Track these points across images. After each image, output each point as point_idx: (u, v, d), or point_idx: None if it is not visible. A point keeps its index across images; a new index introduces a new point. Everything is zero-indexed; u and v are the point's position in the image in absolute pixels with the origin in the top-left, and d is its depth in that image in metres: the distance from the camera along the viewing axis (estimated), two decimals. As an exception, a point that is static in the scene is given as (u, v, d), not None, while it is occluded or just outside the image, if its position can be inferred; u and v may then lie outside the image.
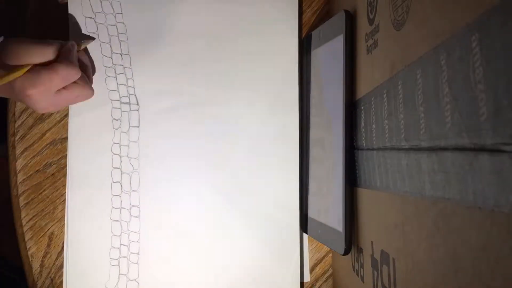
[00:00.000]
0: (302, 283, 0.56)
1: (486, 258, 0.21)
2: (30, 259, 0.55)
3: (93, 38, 0.54)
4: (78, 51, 0.50)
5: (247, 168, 0.55)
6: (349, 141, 0.45)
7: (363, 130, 0.42)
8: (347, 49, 0.45)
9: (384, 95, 0.35)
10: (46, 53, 0.46)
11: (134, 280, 0.54)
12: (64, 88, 0.48)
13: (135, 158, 0.54)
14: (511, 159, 0.19)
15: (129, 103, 0.55)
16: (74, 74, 0.47)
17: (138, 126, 0.55)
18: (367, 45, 0.41)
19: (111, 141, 0.54)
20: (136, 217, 0.54)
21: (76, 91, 0.49)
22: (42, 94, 0.46)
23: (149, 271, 0.54)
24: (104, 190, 0.54)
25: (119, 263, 0.54)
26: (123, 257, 0.54)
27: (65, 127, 0.55)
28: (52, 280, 0.55)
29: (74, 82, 0.48)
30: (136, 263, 0.54)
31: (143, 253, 0.54)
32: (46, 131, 0.55)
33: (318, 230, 0.50)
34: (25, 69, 0.45)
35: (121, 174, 0.54)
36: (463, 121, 0.23)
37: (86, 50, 0.54)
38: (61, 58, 0.47)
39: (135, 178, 0.54)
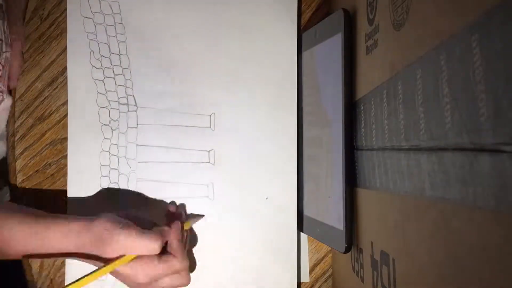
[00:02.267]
0: (299, 283, 0.56)
1: (486, 258, 0.21)
2: (30, 260, 0.55)
3: (202, 215, 0.54)
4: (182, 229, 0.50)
5: (245, 167, 0.55)
6: (349, 141, 0.45)
7: (363, 130, 0.42)
8: (346, 47, 0.45)
9: (384, 95, 0.35)
10: (153, 249, 0.46)
11: None
12: (166, 275, 0.47)
13: (133, 159, 0.54)
14: (511, 159, 0.19)
15: (127, 104, 0.54)
16: (185, 267, 0.48)
17: (136, 127, 0.54)
18: (367, 45, 0.41)
19: (109, 142, 0.54)
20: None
21: (178, 281, 0.48)
22: (149, 283, 0.46)
23: None
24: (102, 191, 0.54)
25: None
26: None
27: (65, 128, 0.55)
28: (51, 280, 0.55)
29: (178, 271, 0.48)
30: None
31: None
32: (45, 131, 0.55)
33: (317, 229, 0.50)
34: (131, 259, 0.45)
35: (119, 175, 0.54)
36: (463, 121, 0.23)
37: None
38: (173, 246, 0.47)
39: (133, 179, 0.54)
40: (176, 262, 0.47)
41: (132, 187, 0.54)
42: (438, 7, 0.26)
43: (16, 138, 0.55)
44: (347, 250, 0.44)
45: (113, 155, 0.54)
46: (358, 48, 0.44)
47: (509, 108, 0.18)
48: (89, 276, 0.43)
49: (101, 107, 0.54)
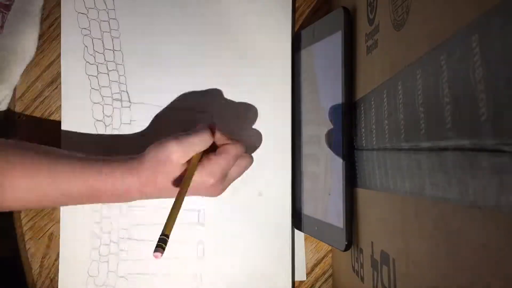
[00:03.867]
0: (294, 281, 0.56)
1: (486, 258, 0.21)
2: (30, 260, 0.55)
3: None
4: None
5: None
6: (349, 141, 0.45)
7: (363, 130, 0.42)
8: (346, 46, 0.45)
9: (384, 95, 0.35)
10: (207, 140, 0.46)
11: (123, 277, 0.54)
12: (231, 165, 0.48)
13: None
14: (511, 159, 0.19)
15: (121, 100, 0.54)
16: (242, 150, 0.48)
17: (130, 123, 0.54)
18: (367, 45, 0.41)
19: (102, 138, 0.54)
20: (126, 214, 0.54)
21: (243, 164, 0.49)
22: (220, 180, 0.47)
23: (139, 268, 0.54)
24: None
25: (108, 260, 0.54)
26: (113, 254, 0.54)
27: (65, 128, 0.55)
28: (51, 280, 0.55)
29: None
30: (126, 260, 0.54)
31: (133, 250, 0.54)
32: (45, 132, 0.55)
33: (315, 227, 0.50)
34: (196, 163, 0.45)
35: None
36: (463, 121, 0.23)
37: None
38: (219, 136, 0.47)
39: None
40: (231, 147, 0.47)
41: None
42: (438, 7, 0.27)
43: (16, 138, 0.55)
44: (347, 248, 0.44)
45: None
46: (358, 48, 0.44)
47: (509, 108, 0.18)
48: (175, 204, 0.42)
49: (94, 103, 0.54)
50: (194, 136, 0.45)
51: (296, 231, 0.56)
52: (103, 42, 0.54)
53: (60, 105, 0.55)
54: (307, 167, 0.54)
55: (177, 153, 0.44)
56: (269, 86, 0.55)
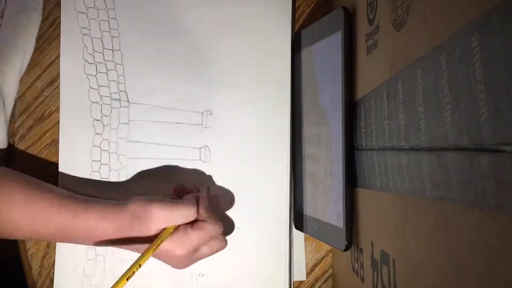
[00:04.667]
0: (292, 282, 0.56)
1: (487, 259, 0.21)
2: (30, 260, 0.55)
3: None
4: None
5: (237, 165, 0.55)
6: (349, 141, 0.45)
7: (363, 130, 0.42)
8: (346, 46, 0.45)
9: (384, 95, 0.35)
10: (190, 214, 0.46)
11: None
12: (204, 244, 0.47)
13: (124, 155, 0.54)
14: (511, 159, 0.19)
15: (119, 100, 0.54)
16: (219, 231, 0.47)
17: (128, 123, 0.54)
18: (367, 45, 0.41)
19: (100, 137, 0.54)
20: None
21: (215, 246, 0.49)
22: (188, 254, 0.46)
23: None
24: (92, 186, 0.54)
25: (104, 260, 0.54)
26: (109, 253, 0.54)
27: (65, 128, 0.55)
28: (51, 280, 0.55)
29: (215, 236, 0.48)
30: (122, 259, 0.53)
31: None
32: (45, 131, 0.55)
33: (315, 227, 0.50)
34: (172, 230, 0.45)
35: (109, 170, 0.54)
36: (463, 121, 0.23)
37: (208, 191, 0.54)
38: (202, 213, 0.47)
39: (123, 175, 0.54)
40: (209, 227, 0.46)
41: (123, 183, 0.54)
42: (438, 7, 0.26)
43: (16, 138, 0.55)
44: (347, 248, 0.44)
45: (104, 150, 0.54)
46: (358, 48, 0.44)
47: (509, 108, 0.18)
48: (138, 260, 0.43)
49: (93, 102, 0.54)
50: (180, 208, 0.45)
51: (295, 231, 0.56)
52: (102, 42, 0.54)
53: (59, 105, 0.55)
54: (307, 167, 0.54)
55: (158, 218, 0.45)
56: (269, 86, 0.55)
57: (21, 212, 0.44)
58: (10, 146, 0.55)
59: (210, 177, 0.55)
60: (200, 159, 0.55)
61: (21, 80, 0.55)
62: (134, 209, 0.45)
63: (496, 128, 0.20)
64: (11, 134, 0.55)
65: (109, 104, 0.54)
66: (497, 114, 0.19)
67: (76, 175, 0.54)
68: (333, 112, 0.47)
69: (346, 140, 0.44)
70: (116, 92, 0.55)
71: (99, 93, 0.54)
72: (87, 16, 0.54)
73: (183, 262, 0.47)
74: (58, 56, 0.55)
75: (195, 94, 0.55)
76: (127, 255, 0.53)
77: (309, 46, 0.53)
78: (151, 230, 0.45)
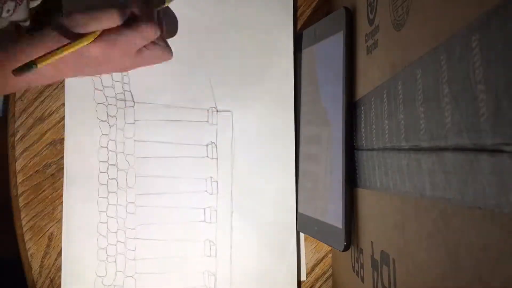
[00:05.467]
0: (299, 280, 0.56)
1: (487, 258, 0.21)
2: (30, 260, 0.55)
3: None
4: (160, 8, 0.49)
5: (244, 163, 0.55)
6: (349, 141, 0.45)
7: (363, 130, 0.42)
8: (347, 46, 0.45)
9: (384, 95, 0.35)
10: (113, 19, 0.44)
11: (131, 276, 0.54)
12: (145, 47, 0.47)
13: (131, 155, 0.54)
14: (511, 159, 0.19)
15: (125, 100, 0.55)
16: (153, 32, 0.46)
17: (134, 123, 0.55)
18: (367, 45, 0.41)
19: (107, 138, 0.54)
20: (132, 213, 0.54)
21: (157, 51, 0.48)
22: (123, 54, 0.46)
23: (146, 267, 0.54)
24: (101, 187, 0.54)
25: (116, 260, 0.54)
26: (120, 254, 0.54)
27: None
28: (51, 280, 0.55)
29: (155, 42, 0.48)
30: (133, 259, 0.54)
31: (140, 249, 0.54)
32: (45, 131, 0.55)
33: (314, 227, 0.50)
34: (95, 36, 0.44)
35: (117, 170, 0.54)
36: (463, 121, 0.23)
37: (168, 9, 0.52)
38: (141, 16, 0.46)
39: (131, 174, 0.54)
40: (148, 29, 0.45)
41: (130, 183, 0.54)
42: (438, 7, 0.27)
43: (16, 138, 0.55)
44: (346, 248, 0.44)
45: (111, 151, 0.54)
46: (358, 48, 0.44)
47: (509, 108, 0.18)
48: (55, 52, 0.42)
49: (98, 103, 0.54)
50: (101, 12, 0.44)
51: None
52: None
53: (61, 105, 0.55)
54: (307, 166, 0.54)
55: (79, 19, 0.43)
56: (272, 86, 0.55)
57: None
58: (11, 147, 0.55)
59: (216, 173, 0.55)
60: (207, 156, 0.55)
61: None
62: (55, 20, 0.44)
63: (496, 128, 0.20)
64: (11, 134, 0.56)
65: (115, 105, 0.55)
66: (497, 114, 0.19)
67: (83, 177, 0.54)
68: (333, 112, 0.47)
69: (346, 140, 0.44)
70: (121, 92, 0.55)
71: (104, 94, 0.54)
72: None
73: (123, 62, 0.47)
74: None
75: (200, 93, 0.55)
76: (138, 255, 0.54)
77: (310, 46, 0.53)
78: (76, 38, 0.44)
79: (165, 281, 0.54)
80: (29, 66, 0.40)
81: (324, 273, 0.57)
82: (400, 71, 0.32)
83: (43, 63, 0.41)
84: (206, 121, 0.55)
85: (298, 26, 0.58)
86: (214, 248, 0.55)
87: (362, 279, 0.43)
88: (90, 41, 0.44)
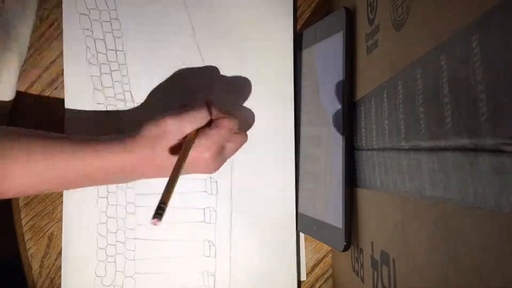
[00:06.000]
0: (299, 280, 0.56)
1: (487, 259, 0.21)
2: (30, 260, 0.55)
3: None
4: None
5: (244, 163, 0.55)
6: (349, 141, 0.45)
7: (363, 130, 0.42)
8: (347, 46, 0.45)
9: (384, 95, 0.35)
10: (204, 116, 0.46)
11: (131, 276, 0.54)
12: (227, 141, 0.48)
13: None
14: (511, 159, 0.19)
15: (124, 100, 0.55)
16: (235, 123, 0.48)
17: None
18: (367, 45, 0.41)
19: None
20: (132, 213, 0.54)
21: (238, 140, 0.49)
22: (215, 154, 0.46)
23: (145, 268, 0.54)
24: (100, 186, 0.54)
25: (115, 260, 0.54)
26: (120, 254, 0.54)
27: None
28: (51, 280, 0.55)
29: (235, 132, 0.49)
30: (133, 259, 0.54)
31: (139, 250, 0.54)
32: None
33: (314, 227, 0.50)
34: (194, 136, 0.45)
35: None
36: (463, 121, 0.23)
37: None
38: (215, 111, 0.47)
39: None
40: (225, 121, 0.47)
41: (130, 184, 0.54)
42: (438, 7, 0.27)
43: (16, 138, 0.55)
44: (346, 248, 0.44)
45: None
46: (358, 48, 0.44)
47: (509, 108, 0.18)
48: (172, 175, 0.42)
49: (98, 104, 0.54)
50: (191, 112, 0.45)
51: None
52: (105, 43, 0.54)
53: (61, 105, 0.55)
54: (307, 167, 0.54)
55: (173, 129, 0.44)
56: (272, 86, 0.55)
57: (41, 157, 0.43)
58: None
59: (216, 173, 0.55)
60: None
61: (21, 80, 0.55)
62: (149, 132, 0.45)
63: (496, 128, 0.20)
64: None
65: (114, 105, 0.54)
66: (497, 114, 0.19)
67: None
68: (333, 112, 0.47)
69: (346, 140, 0.44)
70: (121, 93, 0.55)
71: (103, 94, 0.54)
72: (89, 18, 0.54)
73: (212, 164, 0.47)
74: (58, 56, 0.55)
75: (200, 93, 0.55)
76: (138, 255, 0.54)
77: (310, 46, 0.53)
78: (174, 145, 0.45)
79: (164, 281, 0.54)
80: (162, 209, 0.39)
81: (324, 273, 0.57)
82: (400, 71, 0.32)
83: (168, 199, 0.41)
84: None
85: (298, 26, 0.58)
86: (214, 248, 0.55)
87: (362, 279, 0.43)
88: (192, 143, 0.45)
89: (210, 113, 0.47)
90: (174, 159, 0.44)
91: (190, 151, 0.44)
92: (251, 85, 0.55)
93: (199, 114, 0.46)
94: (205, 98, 0.49)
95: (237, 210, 0.55)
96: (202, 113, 0.46)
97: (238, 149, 0.50)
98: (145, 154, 0.45)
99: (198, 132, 0.46)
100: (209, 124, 0.47)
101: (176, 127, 0.44)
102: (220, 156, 0.47)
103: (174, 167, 0.43)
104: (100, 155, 0.44)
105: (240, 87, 0.55)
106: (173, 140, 0.45)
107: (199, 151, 0.45)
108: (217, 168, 0.49)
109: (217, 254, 0.55)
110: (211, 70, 0.55)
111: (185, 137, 0.45)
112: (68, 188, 0.49)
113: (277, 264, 0.55)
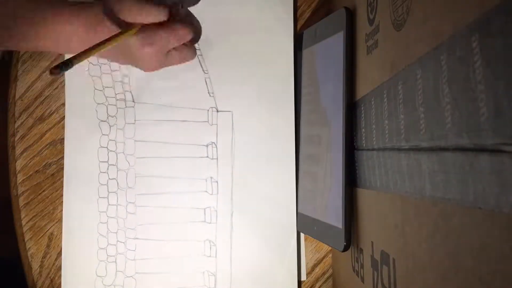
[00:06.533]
0: (300, 280, 0.56)
1: (487, 259, 0.21)
2: (30, 260, 0.55)
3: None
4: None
5: (244, 163, 0.55)
6: (349, 141, 0.45)
7: (363, 130, 0.42)
8: (348, 46, 0.45)
9: (384, 95, 0.35)
10: (160, 15, 0.46)
11: (131, 276, 0.54)
12: (174, 48, 0.48)
13: (131, 155, 0.54)
14: (511, 159, 0.19)
15: (125, 100, 0.55)
16: (189, 34, 0.48)
17: (134, 123, 0.55)
18: (367, 45, 0.41)
19: (107, 138, 0.54)
20: (133, 213, 0.54)
21: (184, 52, 0.50)
22: (156, 53, 0.47)
23: (146, 267, 0.54)
24: (101, 187, 0.54)
25: (116, 260, 0.54)
26: (120, 254, 0.54)
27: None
28: (52, 280, 0.55)
29: (185, 44, 0.49)
30: (133, 259, 0.54)
31: (140, 249, 0.54)
32: (45, 131, 0.55)
33: (314, 227, 0.50)
34: (137, 28, 0.45)
35: (117, 171, 0.54)
36: (463, 121, 0.23)
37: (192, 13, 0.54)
38: (175, 18, 0.47)
39: (131, 174, 0.54)
40: (184, 30, 0.47)
41: (130, 184, 0.54)
42: (438, 7, 0.27)
43: (16, 138, 0.55)
44: (346, 248, 0.44)
45: (111, 151, 0.54)
46: (358, 48, 0.44)
47: (509, 108, 0.18)
48: (97, 47, 0.42)
49: (98, 103, 0.54)
50: (152, 7, 0.45)
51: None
52: None
53: (61, 105, 0.55)
54: (307, 166, 0.54)
55: (128, 11, 0.45)
56: (272, 86, 0.55)
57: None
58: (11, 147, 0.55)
59: (216, 173, 0.55)
60: (207, 156, 0.55)
61: (21, 80, 0.55)
62: (106, 2, 0.45)
63: (496, 128, 0.20)
64: (11, 134, 0.56)
65: (115, 105, 0.55)
66: (497, 114, 0.19)
67: (83, 177, 0.54)
68: (333, 112, 0.47)
69: (346, 140, 0.44)
70: (121, 93, 0.55)
71: (104, 94, 0.55)
72: None
73: (151, 61, 0.48)
74: (58, 56, 0.55)
75: (200, 92, 0.55)
76: (139, 255, 0.54)
77: (311, 46, 0.53)
78: (121, 25, 0.45)
79: (165, 281, 0.54)
80: (66, 64, 0.39)
81: (324, 273, 0.57)
82: (400, 71, 0.32)
83: (80, 60, 0.41)
84: (206, 121, 0.55)
85: (298, 26, 0.58)
86: (214, 248, 0.55)
87: (362, 279, 0.43)
88: (133, 33, 0.45)
89: (169, 15, 0.46)
90: (113, 33, 0.44)
91: (134, 39, 0.45)
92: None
93: (157, 11, 0.46)
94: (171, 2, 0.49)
95: (237, 210, 0.55)
96: (161, 11, 0.46)
97: (182, 62, 0.51)
98: (92, 25, 0.45)
99: (150, 25, 0.46)
100: (163, 24, 0.47)
101: (131, 10, 0.45)
102: (162, 58, 0.48)
103: (106, 39, 0.43)
104: (55, 9, 0.45)
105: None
106: (124, 19, 0.45)
107: (141, 44, 0.46)
108: (155, 67, 0.49)
109: (218, 254, 0.55)
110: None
111: (131, 24, 0.45)
112: (27, 47, 0.49)
113: (278, 264, 0.55)
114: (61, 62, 0.39)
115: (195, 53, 0.52)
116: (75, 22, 0.46)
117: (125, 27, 0.45)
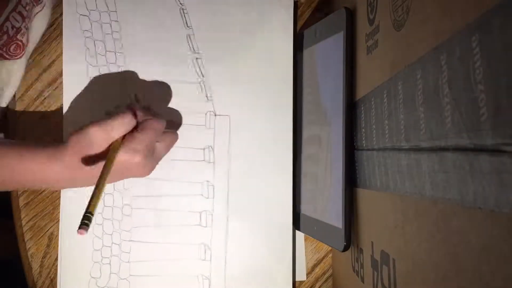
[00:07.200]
0: (294, 282, 0.56)
1: (487, 259, 0.21)
2: (30, 260, 0.55)
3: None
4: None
5: (241, 166, 0.55)
6: (349, 141, 0.45)
7: (363, 130, 0.42)
8: (348, 46, 0.45)
9: (384, 95, 0.35)
10: (129, 121, 0.46)
11: (125, 279, 0.54)
12: (157, 141, 0.47)
13: None
14: (511, 159, 0.19)
15: None
16: (162, 123, 0.47)
17: None
18: (367, 45, 0.41)
19: None
20: (128, 216, 0.54)
21: (168, 139, 0.49)
22: (146, 157, 0.46)
23: (140, 270, 0.54)
24: None
25: (110, 262, 0.54)
26: (115, 255, 0.54)
27: (65, 128, 0.55)
28: (52, 280, 0.55)
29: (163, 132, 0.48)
30: (128, 262, 0.54)
31: (134, 252, 0.54)
32: (46, 132, 0.55)
33: (314, 227, 0.50)
34: (119, 145, 0.45)
35: None
36: (463, 121, 0.23)
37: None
38: (140, 114, 0.47)
39: None
40: (152, 122, 0.46)
41: (126, 185, 0.54)
42: (438, 7, 0.27)
43: (16, 138, 0.55)
44: (346, 248, 0.44)
45: None
46: (359, 48, 0.44)
47: (509, 108, 0.18)
48: (95, 192, 0.42)
49: (96, 106, 0.54)
50: (115, 118, 0.45)
51: (296, 231, 0.56)
52: (105, 44, 0.54)
53: (61, 105, 0.55)
54: (307, 167, 0.54)
55: (99, 137, 0.44)
56: (271, 86, 0.55)
57: None
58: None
59: (213, 176, 0.55)
60: (204, 160, 0.55)
61: (21, 80, 0.55)
62: (76, 142, 0.44)
63: (496, 128, 0.20)
64: (11, 134, 0.55)
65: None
66: (497, 114, 0.19)
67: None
68: (333, 112, 0.47)
69: (346, 140, 0.44)
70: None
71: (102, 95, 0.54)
72: (89, 19, 0.54)
73: (145, 167, 0.47)
74: (58, 56, 0.55)
75: (198, 95, 0.55)
76: (133, 257, 0.54)
77: (311, 46, 0.53)
78: (100, 154, 0.45)
79: (159, 284, 0.54)
80: (88, 218, 0.39)
81: (324, 273, 0.57)
82: (400, 71, 0.32)
83: (95, 208, 0.41)
84: (203, 125, 0.55)
85: (298, 26, 0.58)
86: (209, 252, 0.55)
87: (362, 279, 0.43)
88: (118, 149, 0.44)
89: (136, 116, 0.46)
90: (102, 167, 0.44)
91: (120, 156, 0.44)
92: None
93: (124, 119, 0.45)
94: (128, 103, 0.49)
95: (233, 214, 0.55)
96: (127, 117, 0.45)
97: (169, 148, 0.50)
98: (73, 163, 0.45)
99: (126, 136, 0.46)
100: (136, 128, 0.46)
101: (100, 135, 0.44)
102: (152, 158, 0.47)
103: (100, 176, 0.42)
104: (23, 160, 0.45)
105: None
106: (99, 148, 0.44)
107: (128, 156, 0.45)
108: (150, 170, 0.48)
109: (213, 257, 0.54)
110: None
111: (111, 144, 0.45)
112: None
113: (272, 269, 0.55)
114: (83, 220, 0.39)
115: (177, 135, 0.51)
116: (54, 164, 0.45)
117: (106, 151, 0.45)
